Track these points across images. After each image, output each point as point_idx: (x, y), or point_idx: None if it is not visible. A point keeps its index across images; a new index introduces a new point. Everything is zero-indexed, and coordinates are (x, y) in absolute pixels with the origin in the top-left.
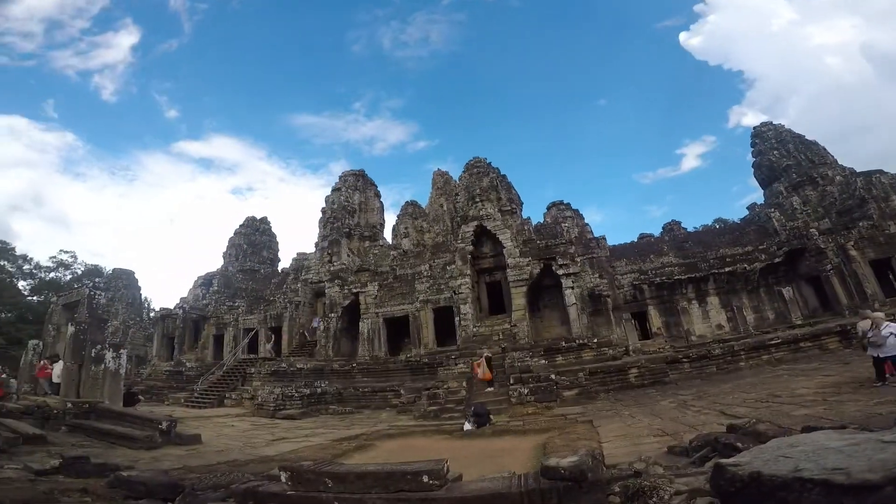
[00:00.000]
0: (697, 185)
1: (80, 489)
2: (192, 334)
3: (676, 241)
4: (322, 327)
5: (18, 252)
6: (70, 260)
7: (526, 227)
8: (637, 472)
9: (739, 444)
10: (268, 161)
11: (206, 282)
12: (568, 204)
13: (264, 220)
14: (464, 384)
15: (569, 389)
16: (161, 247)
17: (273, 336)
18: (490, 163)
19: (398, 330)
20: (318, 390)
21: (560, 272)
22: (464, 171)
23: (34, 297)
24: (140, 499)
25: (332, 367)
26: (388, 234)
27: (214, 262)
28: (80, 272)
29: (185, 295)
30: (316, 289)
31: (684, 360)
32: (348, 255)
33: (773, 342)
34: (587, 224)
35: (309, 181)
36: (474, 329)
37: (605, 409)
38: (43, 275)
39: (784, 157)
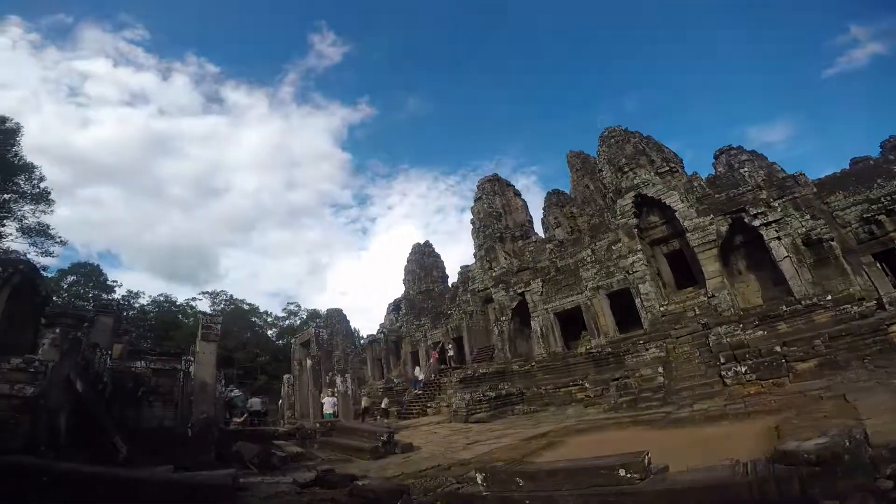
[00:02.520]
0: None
1: (330, 499)
2: (394, 353)
3: None
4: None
5: (261, 309)
6: (296, 308)
7: (696, 184)
8: None
9: None
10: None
11: (395, 307)
12: (739, 147)
13: (427, 244)
14: (660, 370)
15: (803, 361)
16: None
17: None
18: (627, 128)
19: (571, 322)
20: (503, 392)
21: (756, 223)
22: (600, 145)
23: (279, 342)
24: None
25: (512, 369)
26: (538, 229)
27: (397, 286)
28: (304, 316)
29: (382, 321)
30: (483, 296)
31: None
32: (505, 258)
33: None
34: (774, 163)
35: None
36: (661, 308)
37: (861, 381)
38: (281, 323)
39: None
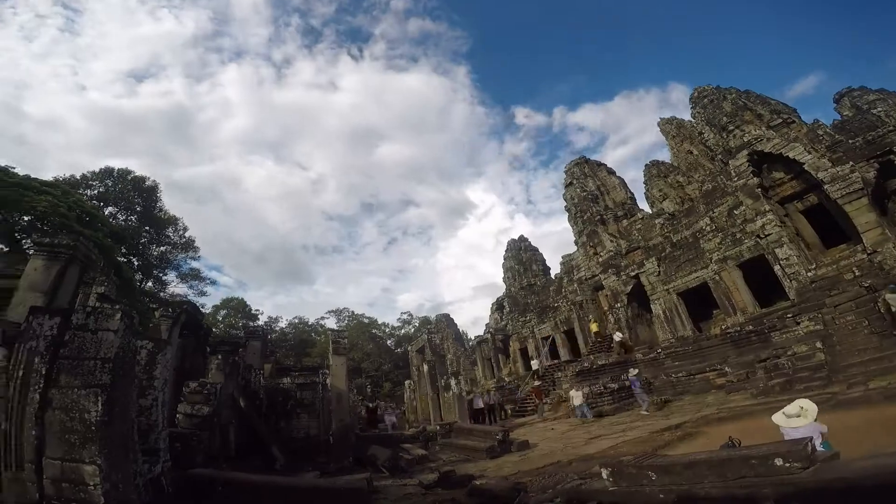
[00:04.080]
0: None
1: (451, 499)
2: (503, 352)
3: None
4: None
5: (379, 322)
6: (408, 318)
7: (821, 132)
8: None
9: None
10: None
11: (499, 306)
12: (863, 87)
13: (522, 238)
14: (818, 345)
15: None
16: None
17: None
18: (718, 86)
19: (699, 301)
20: (626, 383)
21: None
22: (693, 107)
23: (398, 350)
24: None
25: (635, 358)
26: (642, 205)
27: (488, 278)
28: (416, 324)
29: (488, 321)
30: (592, 284)
31: None
32: (611, 241)
33: None
34: None
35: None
36: (809, 273)
37: None
38: (398, 332)
39: None
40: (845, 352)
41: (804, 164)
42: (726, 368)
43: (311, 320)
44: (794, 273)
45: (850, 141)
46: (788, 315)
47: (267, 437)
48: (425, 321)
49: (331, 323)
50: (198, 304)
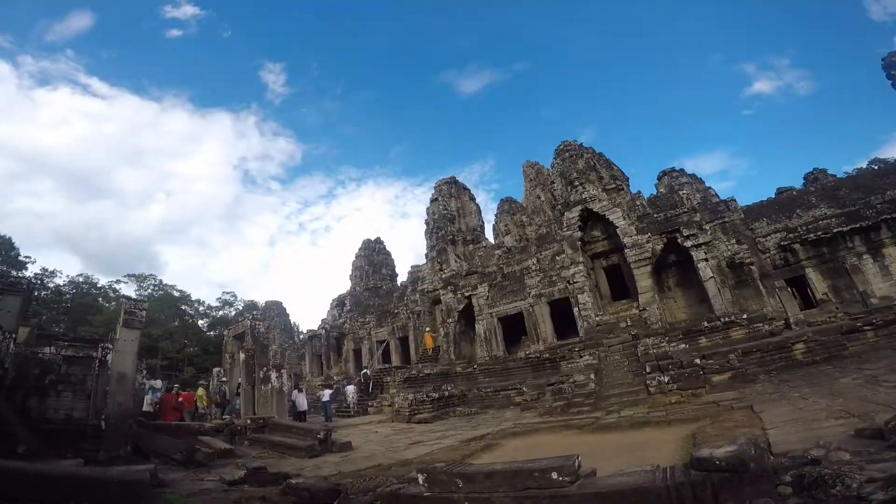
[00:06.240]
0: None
1: (261, 497)
2: (336, 350)
3: (827, 191)
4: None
5: (193, 297)
6: (232, 299)
7: (638, 203)
8: (815, 459)
9: None
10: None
11: (339, 303)
12: (681, 170)
13: (378, 241)
14: (592, 377)
15: (718, 374)
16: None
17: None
18: (581, 143)
19: (514, 328)
20: (446, 394)
21: (688, 244)
22: (555, 158)
23: (211, 333)
24: None
25: (455, 371)
26: (489, 235)
27: (342, 283)
28: (240, 307)
29: (325, 316)
30: (432, 297)
31: (866, 328)
32: (456, 261)
33: None
34: (710, 188)
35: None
36: (597, 318)
37: (767, 393)
38: (214, 313)
39: None
40: (609, 384)
41: (618, 227)
42: (524, 388)
43: (102, 282)
44: (586, 316)
45: (656, 215)
46: (576, 349)
47: (7, 415)
48: (251, 305)
49: (128, 290)
50: None
